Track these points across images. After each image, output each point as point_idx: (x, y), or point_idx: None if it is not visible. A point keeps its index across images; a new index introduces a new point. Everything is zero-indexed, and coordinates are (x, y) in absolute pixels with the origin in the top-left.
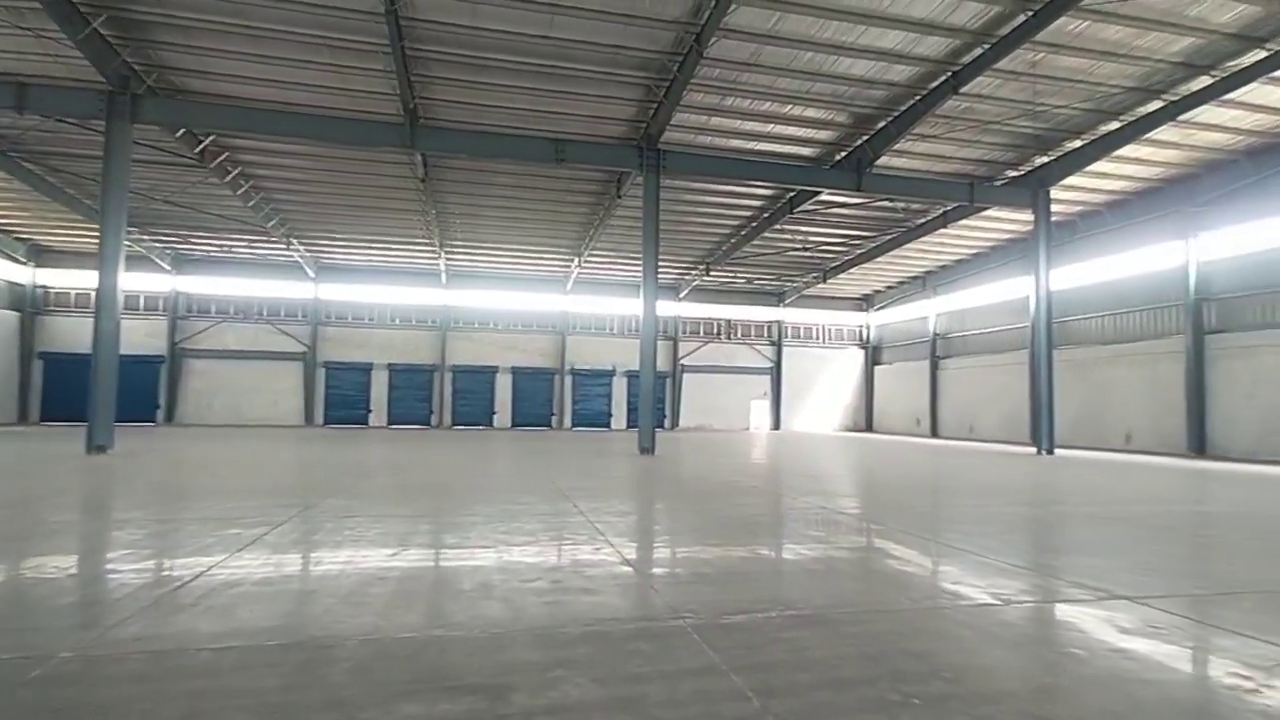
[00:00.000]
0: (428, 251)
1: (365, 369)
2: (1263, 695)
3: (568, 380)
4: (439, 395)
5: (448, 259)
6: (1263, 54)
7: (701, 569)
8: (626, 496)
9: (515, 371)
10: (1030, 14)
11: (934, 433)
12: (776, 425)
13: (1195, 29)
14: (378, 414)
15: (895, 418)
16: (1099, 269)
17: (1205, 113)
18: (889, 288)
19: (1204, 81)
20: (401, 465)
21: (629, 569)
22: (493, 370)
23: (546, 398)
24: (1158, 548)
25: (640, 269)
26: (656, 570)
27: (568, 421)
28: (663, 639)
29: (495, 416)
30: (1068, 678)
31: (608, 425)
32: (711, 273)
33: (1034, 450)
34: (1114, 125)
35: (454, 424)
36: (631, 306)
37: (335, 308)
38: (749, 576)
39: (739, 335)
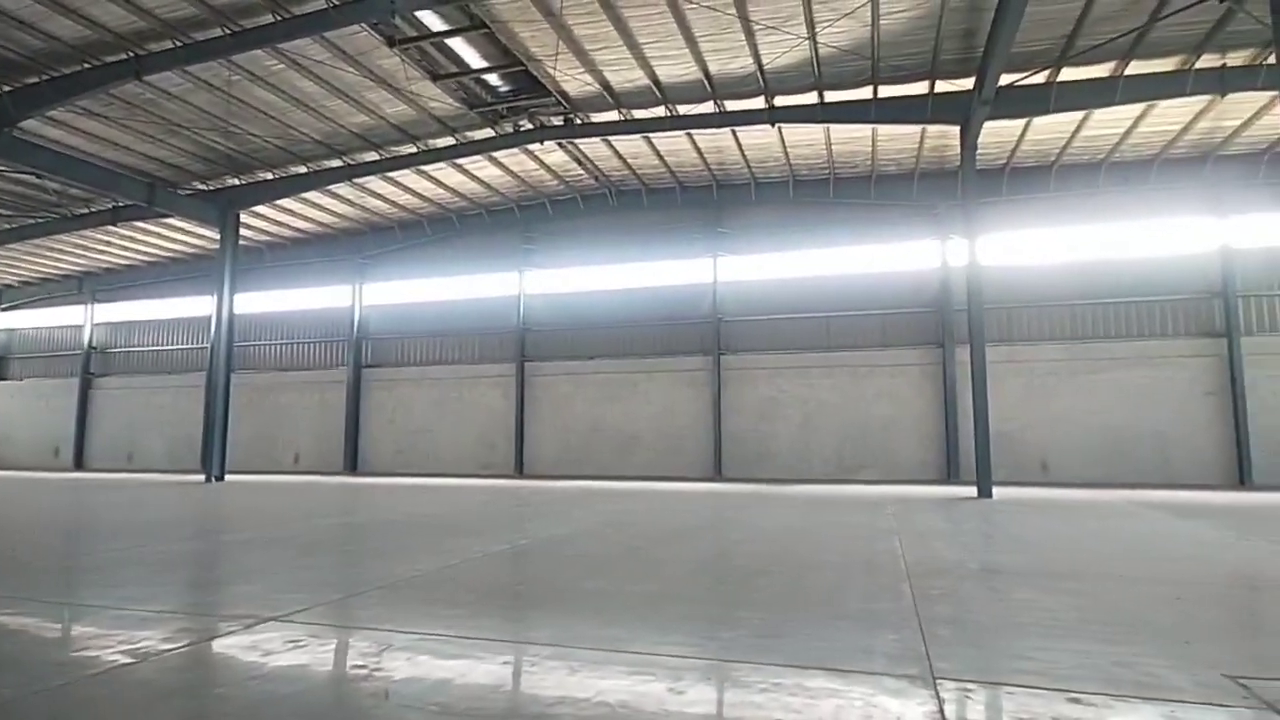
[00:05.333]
0: None
1: None
2: (373, 679)
3: None
4: None
5: None
6: (414, 149)
7: None
8: None
9: None
10: (229, 33)
11: (80, 464)
12: None
13: (370, 111)
14: None
15: (24, 447)
16: (285, 298)
17: (373, 183)
18: (27, 284)
19: (373, 156)
20: None
21: None
22: None
23: None
24: (308, 562)
25: None
26: None
27: None
28: None
29: None
30: None
31: None
32: None
33: (203, 478)
34: (302, 169)
35: None
36: None
37: None
38: None
39: None
